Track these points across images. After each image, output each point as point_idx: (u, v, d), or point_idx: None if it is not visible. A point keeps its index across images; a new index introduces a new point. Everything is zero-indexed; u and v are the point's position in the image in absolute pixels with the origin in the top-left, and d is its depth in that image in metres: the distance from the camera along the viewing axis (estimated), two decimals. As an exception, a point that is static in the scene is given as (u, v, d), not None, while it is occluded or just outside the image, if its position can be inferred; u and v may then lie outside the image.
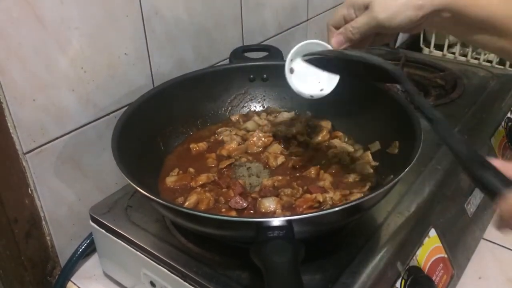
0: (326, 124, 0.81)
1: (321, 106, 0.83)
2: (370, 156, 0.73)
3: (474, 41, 0.66)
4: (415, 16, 0.60)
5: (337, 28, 0.65)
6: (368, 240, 0.63)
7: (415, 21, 0.61)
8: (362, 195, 0.65)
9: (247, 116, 0.85)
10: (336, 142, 0.77)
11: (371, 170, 0.71)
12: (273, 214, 0.63)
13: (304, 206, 0.63)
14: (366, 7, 0.61)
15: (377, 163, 0.72)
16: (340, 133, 0.79)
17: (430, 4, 0.60)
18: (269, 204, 0.63)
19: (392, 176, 0.62)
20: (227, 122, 0.84)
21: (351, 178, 0.69)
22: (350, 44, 0.64)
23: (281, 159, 0.74)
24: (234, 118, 0.85)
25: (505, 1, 0.60)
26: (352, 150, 0.76)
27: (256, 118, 0.84)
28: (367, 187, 0.67)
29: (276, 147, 0.76)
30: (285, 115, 0.84)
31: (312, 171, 0.71)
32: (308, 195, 0.65)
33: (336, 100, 0.81)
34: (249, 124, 0.82)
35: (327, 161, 0.74)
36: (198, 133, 0.82)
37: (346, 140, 0.79)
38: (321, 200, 0.63)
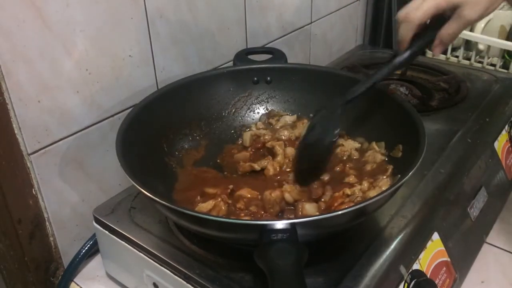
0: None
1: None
2: (376, 146, 0.73)
3: None
4: (498, 5, 0.61)
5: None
6: (371, 244, 0.63)
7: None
8: (387, 179, 0.65)
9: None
10: (341, 140, 0.77)
11: (384, 157, 0.71)
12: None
13: (336, 204, 0.63)
14: (456, 8, 0.61)
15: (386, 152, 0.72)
16: (342, 132, 0.79)
17: None
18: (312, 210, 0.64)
19: (396, 179, 0.62)
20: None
21: (369, 166, 0.70)
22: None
23: None
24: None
25: None
26: (359, 145, 0.76)
27: (254, 129, 0.83)
28: (390, 170, 0.67)
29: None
30: (287, 119, 0.84)
31: (338, 168, 0.71)
32: (336, 194, 0.65)
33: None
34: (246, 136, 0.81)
35: (338, 159, 0.74)
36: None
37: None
38: (349, 193, 0.64)
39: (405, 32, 0.64)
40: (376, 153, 0.72)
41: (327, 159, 0.70)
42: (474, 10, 0.60)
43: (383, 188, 0.63)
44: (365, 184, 0.66)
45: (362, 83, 0.68)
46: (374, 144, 0.74)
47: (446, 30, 0.63)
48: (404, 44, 0.65)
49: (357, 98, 0.68)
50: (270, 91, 0.86)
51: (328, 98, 0.82)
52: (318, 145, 0.68)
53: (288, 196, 0.66)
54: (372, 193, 0.63)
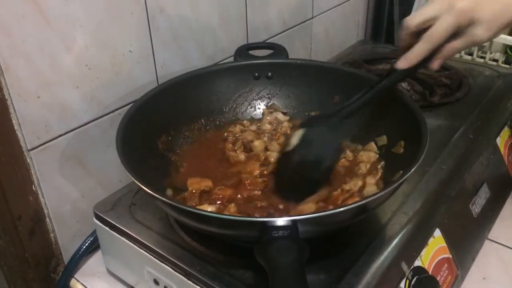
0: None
1: (326, 106, 0.83)
2: (374, 145, 0.73)
3: None
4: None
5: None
6: (372, 240, 0.63)
7: None
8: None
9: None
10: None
11: (377, 156, 0.71)
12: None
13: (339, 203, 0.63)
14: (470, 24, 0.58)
15: (380, 151, 0.72)
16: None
17: None
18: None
19: (398, 175, 0.62)
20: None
21: (363, 166, 0.70)
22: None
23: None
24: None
25: None
26: (354, 145, 0.76)
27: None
28: (379, 174, 0.67)
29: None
30: (280, 116, 0.83)
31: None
32: (334, 193, 0.65)
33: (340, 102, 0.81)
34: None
35: None
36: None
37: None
38: (347, 188, 0.64)
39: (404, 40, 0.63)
40: (370, 152, 0.72)
41: (325, 181, 0.66)
42: (488, 30, 0.58)
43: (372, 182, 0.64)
44: (359, 182, 0.66)
45: (358, 98, 0.66)
46: (372, 144, 0.74)
47: (454, 45, 0.60)
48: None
49: (353, 114, 0.66)
50: (271, 86, 0.86)
51: (329, 94, 0.82)
52: (314, 165, 0.64)
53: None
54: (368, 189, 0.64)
